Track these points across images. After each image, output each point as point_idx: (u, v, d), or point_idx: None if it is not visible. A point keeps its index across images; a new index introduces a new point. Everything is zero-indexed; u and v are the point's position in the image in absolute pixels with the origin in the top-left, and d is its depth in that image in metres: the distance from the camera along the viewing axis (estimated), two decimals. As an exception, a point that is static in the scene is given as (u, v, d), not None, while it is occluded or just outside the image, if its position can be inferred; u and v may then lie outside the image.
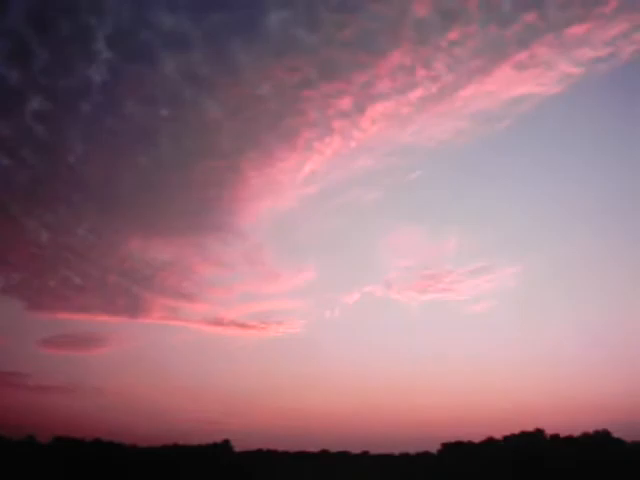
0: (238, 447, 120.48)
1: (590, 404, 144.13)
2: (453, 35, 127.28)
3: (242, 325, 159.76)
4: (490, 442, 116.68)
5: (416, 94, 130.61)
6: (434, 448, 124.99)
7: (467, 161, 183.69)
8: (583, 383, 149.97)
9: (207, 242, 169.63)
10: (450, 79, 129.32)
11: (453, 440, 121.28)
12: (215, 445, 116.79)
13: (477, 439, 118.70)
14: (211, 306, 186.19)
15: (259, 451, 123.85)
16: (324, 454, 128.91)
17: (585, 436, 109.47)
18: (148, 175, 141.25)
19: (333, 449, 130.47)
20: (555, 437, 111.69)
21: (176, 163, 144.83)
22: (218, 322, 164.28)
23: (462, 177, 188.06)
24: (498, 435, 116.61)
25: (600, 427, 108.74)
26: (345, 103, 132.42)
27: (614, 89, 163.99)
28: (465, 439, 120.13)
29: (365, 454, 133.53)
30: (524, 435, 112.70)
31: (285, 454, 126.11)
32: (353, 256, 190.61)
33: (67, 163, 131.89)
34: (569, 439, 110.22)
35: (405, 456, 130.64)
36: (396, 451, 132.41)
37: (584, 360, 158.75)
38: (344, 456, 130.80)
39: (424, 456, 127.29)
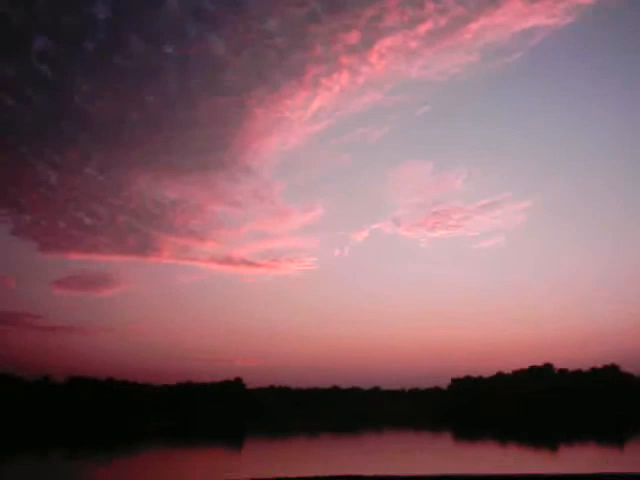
0: (250, 384, 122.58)
1: (600, 339, 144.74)
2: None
3: (252, 263, 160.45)
4: (499, 377, 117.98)
5: (425, 27, 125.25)
6: (444, 384, 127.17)
7: (477, 96, 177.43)
8: (593, 318, 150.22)
9: (215, 180, 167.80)
10: (459, 12, 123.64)
11: (463, 375, 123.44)
12: (227, 382, 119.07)
13: (487, 374, 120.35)
14: (221, 245, 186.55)
15: (271, 388, 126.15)
16: (335, 390, 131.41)
17: (593, 370, 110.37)
18: (155, 113, 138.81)
19: (344, 385, 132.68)
20: (563, 371, 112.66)
21: (183, 100, 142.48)
22: (228, 261, 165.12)
23: (471, 112, 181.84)
24: (507, 370, 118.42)
25: (609, 362, 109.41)
26: (353, 38, 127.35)
27: (625, 19, 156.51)
28: (475, 374, 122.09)
29: (376, 390, 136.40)
30: (533, 369, 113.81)
31: (297, 391, 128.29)
32: (362, 193, 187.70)
33: (73, 102, 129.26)
34: (577, 373, 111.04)
35: (415, 391, 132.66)
36: (407, 387, 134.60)
37: (593, 295, 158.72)
38: (355, 392, 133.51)
39: (434, 392, 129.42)
